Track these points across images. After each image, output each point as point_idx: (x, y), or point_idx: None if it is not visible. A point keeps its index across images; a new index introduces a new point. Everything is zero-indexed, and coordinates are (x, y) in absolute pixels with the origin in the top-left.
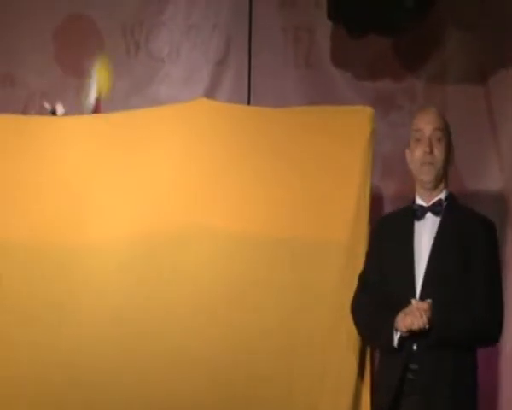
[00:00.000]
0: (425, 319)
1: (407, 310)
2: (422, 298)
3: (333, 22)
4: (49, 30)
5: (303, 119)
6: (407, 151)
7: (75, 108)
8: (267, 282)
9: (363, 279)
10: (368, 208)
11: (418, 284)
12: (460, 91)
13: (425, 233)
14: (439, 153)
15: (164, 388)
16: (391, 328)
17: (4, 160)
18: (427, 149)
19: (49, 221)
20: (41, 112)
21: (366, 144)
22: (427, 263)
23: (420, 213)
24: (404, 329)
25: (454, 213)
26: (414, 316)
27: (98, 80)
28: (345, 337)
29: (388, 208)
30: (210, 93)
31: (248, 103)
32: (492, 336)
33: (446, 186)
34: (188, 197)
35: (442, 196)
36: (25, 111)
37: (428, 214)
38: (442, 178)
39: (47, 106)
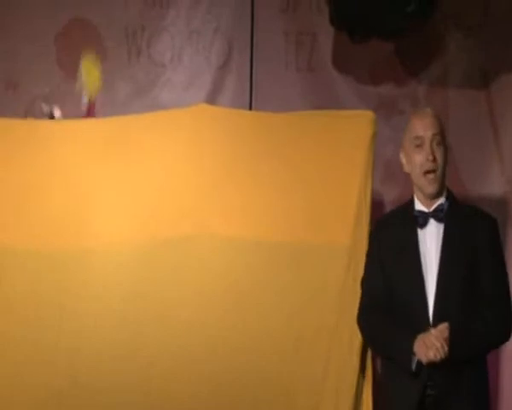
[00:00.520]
0: (446, 349)
1: (427, 341)
2: (435, 313)
3: (335, 27)
4: (51, 34)
5: (304, 123)
6: (402, 155)
7: (77, 112)
8: (269, 284)
9: (368, 289)
10: (369, 211)
11: (430, 298)
12: (462, 95)
13: (430, 243)
14: (440, 158)
15: (165, 389)
16: (409, 353)
17: (7, 164)
18: (430, 157)
19: (51, 224)
20: (42, 116)
21: (367, 148)
22: (437, 277)
23: (422, 220)
24: (426, 361)
25: (456, 216)
26: (436, 349)
27: (87, 81)
28: (346, 339)
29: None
30: (212, 98)
31: (250, 108)
32: (505, 337)
33: (446, 187)
34: (189, 202)
35: (443, 199)
36: (27, 115)
37: (431, 221)
38: (443, 183)
39: (45, 109)
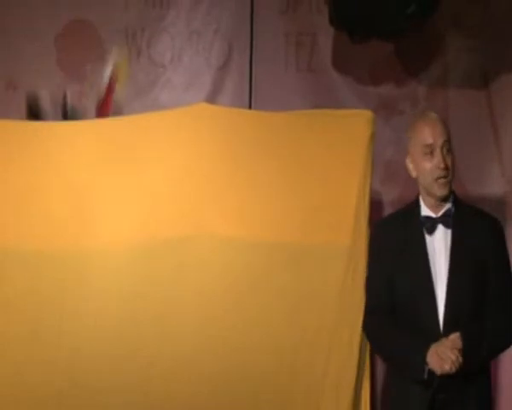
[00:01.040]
0: (460, 360)
1: (441, 353)
2: (446, 322)
3: (335, 27)
4: (52, 35)
5: (303, 123)
6: (408, 161)
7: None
8: (268, 284)
9: (373, 293)
10: (367, 211)
11: (440, 306)
12: (462, 96)
13: (439, 250)
14: (450, 164)
15: (164, 388)
16: (422, 364)
17: (7, 165)
18: (442, 165)
19: (51, 224)
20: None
21: (366, 148)
22: (446, 285)
23: (430, 226)
24: (440, 372)
25: (462, 221)
26: (451, 362)
27: (117, 65)
28: (346, 338)
29: (388, 213)
30: (212, 98)
31: (250, 108)
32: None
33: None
34: (188, 202)
35: (449, 204)
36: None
37: (439, 227)
38: (451, 187)
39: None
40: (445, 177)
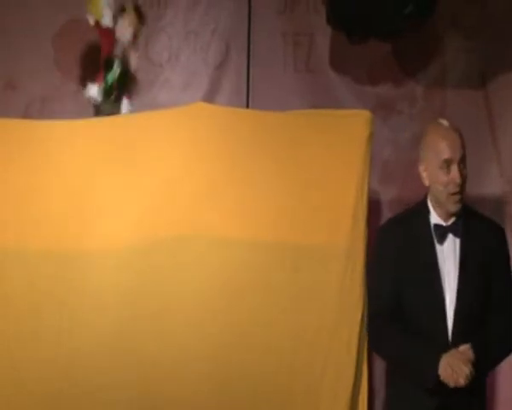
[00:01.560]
0: (473, 373)
1: (455, 366)
2: (455, 332)
3: (332, 27)
4: (49, 35)
5: (301, 123)
6: (421, 168)
7: (75, 113)
8: (265, 285)
9: (379, 296)
10: (365, 212)
11: (449, 316)
12: (460, 96)
13: (449, 260)
14: (464, 179)
15: (163, 387)
16: (434, 374)
17: (6, 164)
18: (458, 181)
19: (51, 224)
20: (41, 116)
21: (364, 148)
22: (456, 295)
23: (440, 235)
24: (454, 386)
25: (470, 230)
26: (466, 376)
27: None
28: (345, 339)
29: (387, 213)
30: (209, 98)
31: (247, 108)
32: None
33: None
34: (185, 201)
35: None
36: (25, 115)
37: (449, 236)
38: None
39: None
40: (459, 193)
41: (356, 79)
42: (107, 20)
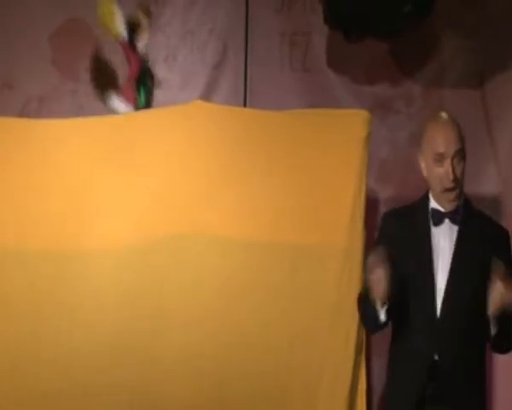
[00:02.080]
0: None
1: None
2: (443, 311)
3: (329, 27)
4: (47, 34)
5: (298, 122)
6: (420, 159)
7: (72, 112)
8: (263, 284)
9: None
10: (363, 211)
11: (439, 296)
12: (457, 96)
13: (444, 242)
14: (459, 175)
15: (163, 385)
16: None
17: (4, 163)
18: (451, 177)
19: (49, 224)
20: (38, 115)
21: (362, 148)
22: (448, 275)
23: (437, 218)
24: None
25: (471, 222)
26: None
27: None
28: (342, 337)
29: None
30: (206, 97)
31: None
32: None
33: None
34: (185, 201)
35: (459, 201)
36: (22, 115)
37: (446, 221)
38: (461, 193)
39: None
40: (453, 189)
41: (353, 79)
42: (126, 36)
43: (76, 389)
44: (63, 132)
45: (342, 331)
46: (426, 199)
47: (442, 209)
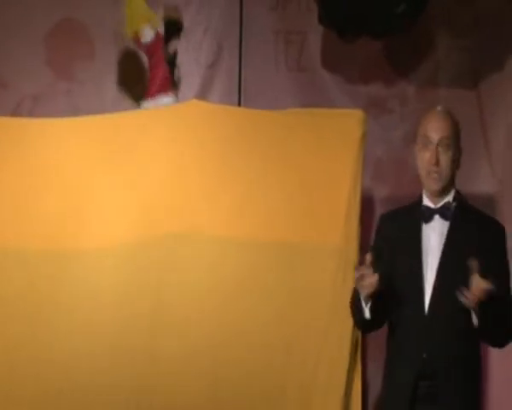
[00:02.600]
0: (375, 287)
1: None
2: (431, 307)
3: (324, 26)
4: (41, 34)
5: (294, 122)
6: (416, 147)
7: (67, 112)
8: (259, 283)
9: None
10: (358, 211)
11: (427, 292)
12: (451, 96)
13: (434, 238)
14: (445, 162)
15: (162, 383)
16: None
17: (1, 163)
18: (433, 160)
19: (46, 224)
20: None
21: (357, 148)
22: (436, 272)
23: (427, 215)
24: (365, 292)
25: (462, 217)
26: (366, 282)
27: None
28: (337, 338)
29: (380, 211)
30: (201, 97)
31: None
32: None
33: (454, 187)
34: (180, 200)
35: (450, 197)
36: (14, 113)
37: (436, 217)
38: (449, 183)
39: None
40: (436, 172)
41: (348, 78)
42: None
43: (75, 389)
44: (60, 132)
45: (337, 331)
46: (420, 198)
47: (432, 206)
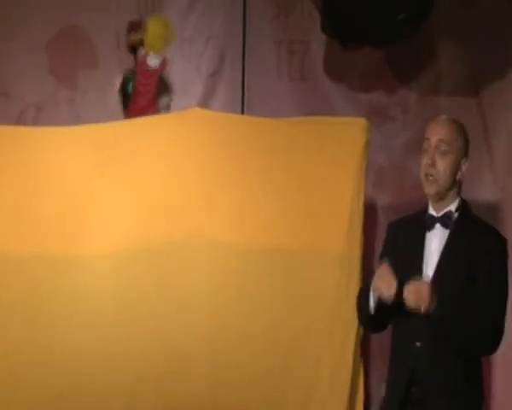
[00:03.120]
0: (393, 291)
1: (381, 271)
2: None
3: (326, 35)
4: (44, 42)
5: (297, 129)
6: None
7: (69, 120)
8: (261, 288)
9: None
10: (361, 218)
11: None
12: (453, 103)
13: (434, 245)
14: (441, 166)
15: (161, 386)
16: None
17: (2, 169)
18: (429, 162)
19: (46, 230)
20: (35, 123)
21: (360, 155)
22: (432, 277)
23: (430, 223)
24: (386, 294)
25: (464, 226)
26: (385, 283)
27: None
28: (339, 343)
29: (382, 218)
30: (204, 105)
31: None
32: (487, 349)
33: (458, 195)
34: (181, 206)
35: (452, 207)
36: (18, 122)
37: (437, 225)
38: (448, 190)
39: None
40: (431, 175)
41: (350, 87)
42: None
43: (75, 392)
44: (61, 139)
45: (339, 337)
46: (426, 206)
47: (434, 214)
